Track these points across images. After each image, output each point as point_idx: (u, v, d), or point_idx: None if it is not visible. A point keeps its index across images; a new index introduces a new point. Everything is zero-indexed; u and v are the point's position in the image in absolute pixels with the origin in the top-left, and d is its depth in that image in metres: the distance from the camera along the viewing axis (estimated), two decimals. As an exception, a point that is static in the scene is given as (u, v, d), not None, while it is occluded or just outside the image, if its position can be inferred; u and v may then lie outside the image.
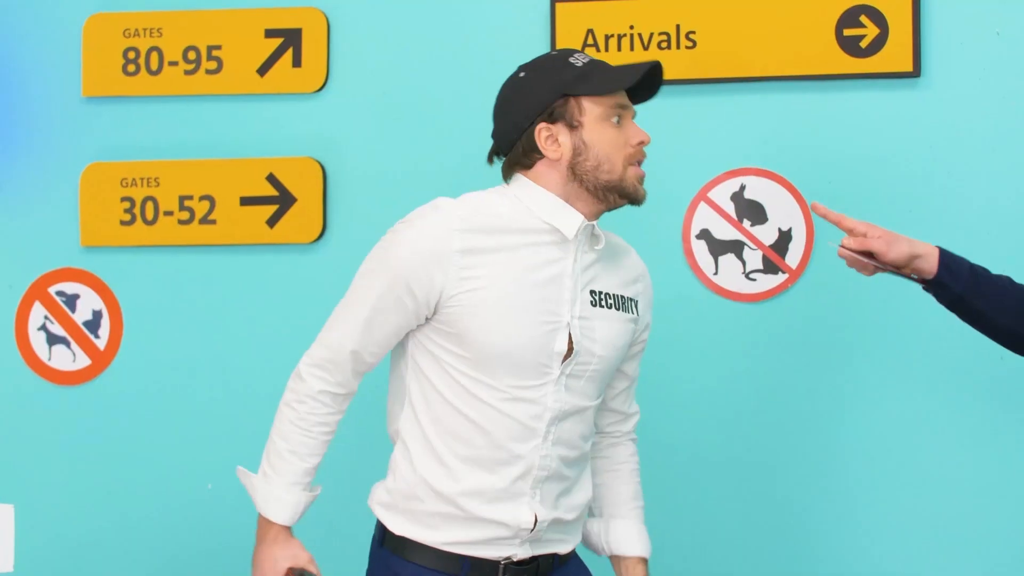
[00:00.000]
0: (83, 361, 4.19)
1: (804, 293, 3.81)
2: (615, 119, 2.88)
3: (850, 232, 2.95)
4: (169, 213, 4.13)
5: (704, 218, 3.85)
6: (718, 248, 3.84)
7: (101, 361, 4.18)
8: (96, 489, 4.19)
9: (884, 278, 3.75)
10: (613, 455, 3.19)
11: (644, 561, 3.16)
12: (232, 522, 3.93)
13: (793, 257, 3.80)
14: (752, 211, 3.82)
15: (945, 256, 2.93)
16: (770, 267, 3.81)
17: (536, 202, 2.89)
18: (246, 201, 4.09)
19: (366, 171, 4.05)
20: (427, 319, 2.89)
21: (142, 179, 4.15)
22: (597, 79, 2.87)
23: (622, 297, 3.00)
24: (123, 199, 4.15)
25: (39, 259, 4.23)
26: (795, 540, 3.83)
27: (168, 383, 4.14)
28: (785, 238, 3.80)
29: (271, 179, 4.07)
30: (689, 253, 3.85)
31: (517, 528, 2.90)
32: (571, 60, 2.89)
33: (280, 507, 2.94)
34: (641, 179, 2.91)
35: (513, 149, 2.94)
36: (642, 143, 2.91)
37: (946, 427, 3.74)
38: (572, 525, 3.04)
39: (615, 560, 3.16)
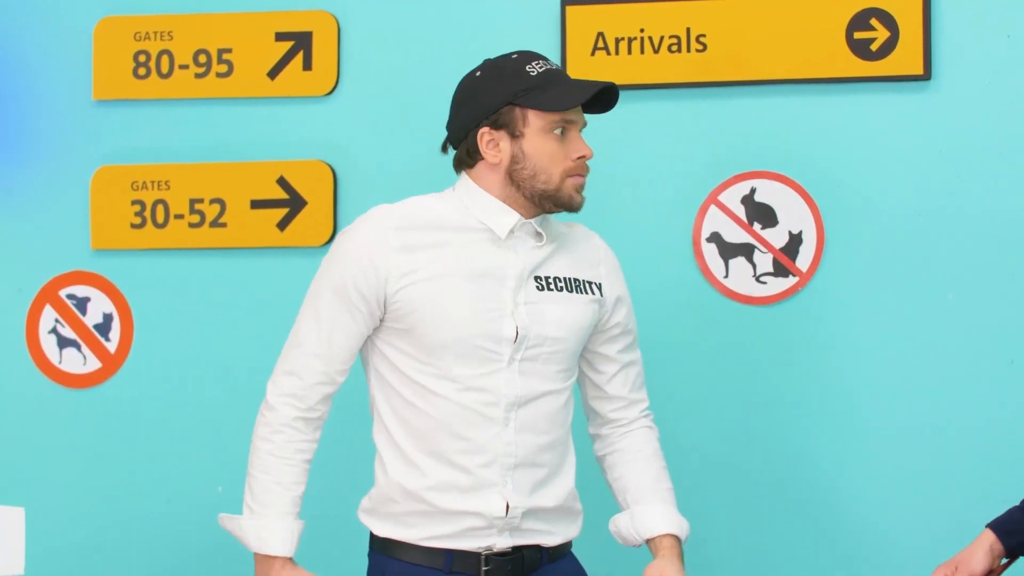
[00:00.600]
0: (94, 364, 4.20)
1: (814, 296, 3.80)
2: (559, 131, 2.94)
3: None
4: (180, 216, 4.14)
5: (714, 221, 3.85)
6: (728, 251, 3.84)
7: (112, 364, 4.19)
8: (107, 492, 4.19)
9: (894, 280, 3.76)
10: (627, 446, 3.17)
11: (675, 538, 3.07)
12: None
13: (804, 260, 3.79)
14: (762, 214, 3.82)
15: (997, 527, 2.97)
16: (780, 270, 3.81)
17: (474, 202, 2.99)
18: (256, 204, 4.09)
19: (376, 174, 4.05)
20: (381, 320, 2.97)
21: (152, 182, 4.15)
22: (545, 94, 2.92)
23: (576, 280, 3.04)
24: (133, 202, 4.16)
25: (49, 262, 4.23)
26: (804, 543, 3.83)
27: (178, 386, 4.15)
28: (795, 241, 3.80)
29: (281, 182, 4.07)
30: (699, 256, 3.85)
31: (491, 517, 2.95)
32: (527, 68, 2.94)
33: (278, 539, 2.99)
34: (579, 188, 2.97)
35: (460, 147, 3.03)
36: (583, 157, 2.96)
37: (956, 431, 3.74)
38: (555, 515, 3.04)
39: (650, 546, 3.09)
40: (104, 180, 4.17)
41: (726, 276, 3.84)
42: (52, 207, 4.23)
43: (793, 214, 3.81)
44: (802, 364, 3.81)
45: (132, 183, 4.16)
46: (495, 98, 2.93)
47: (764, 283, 3.82)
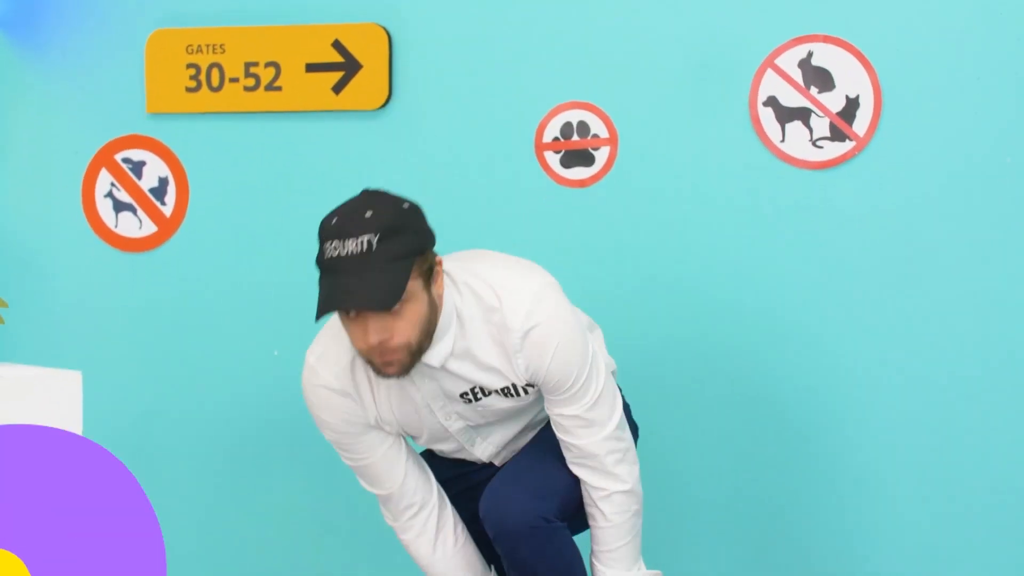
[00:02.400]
0: (149, 228, 4.22)
1: (871, 161, 3.78)
2: (350, 314, 2.81)
3: None
4: (235, 80, 4.14)
5: (771, 85, 3.82)
6: (785, 115, 3.82)
7: (167, 228, 4.21)
8: (163, 355, 4.24)
9: (952, 144, 3.73)
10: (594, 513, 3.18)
11: None
12: (299, 387, 3.97)
13: (860, 124, 3.77)
14: (819, 78, 3.79)
15: None
16: (837, 134, 3.79)
17: None
18: (312, 68, 4.09)
19: (432, 37, 4.03)
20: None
21: (207, 46, 4.15)
22: (321, 288, 2.80)
23: (495, 390, 3.03)
24: (188, 66, 4.16)
25: (105, 126, 4.25)
26: (841, 408, 3.85)
27: (234, 249, 4.17)
28: (852, 105, 3.77)
29: (336, 45, 4.06)
30: (756, 120, 3.83)
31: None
32: (325, 246, 2.79)
33: None
34: (386, 364, 2.84)
35: None
36: (367, 348, 2.83)
37: (1015, 292, 3.73)
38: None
39: None
40: (159, 43, 4.17)
41: (782, 140, 3.82)
42: (107, 70, 4.24)
43: (850, 78, 3.78)
44: (858, 229, 3.80)
45: (187, 47, 4.16)
46: None
47: (821, 147, 3.80)
